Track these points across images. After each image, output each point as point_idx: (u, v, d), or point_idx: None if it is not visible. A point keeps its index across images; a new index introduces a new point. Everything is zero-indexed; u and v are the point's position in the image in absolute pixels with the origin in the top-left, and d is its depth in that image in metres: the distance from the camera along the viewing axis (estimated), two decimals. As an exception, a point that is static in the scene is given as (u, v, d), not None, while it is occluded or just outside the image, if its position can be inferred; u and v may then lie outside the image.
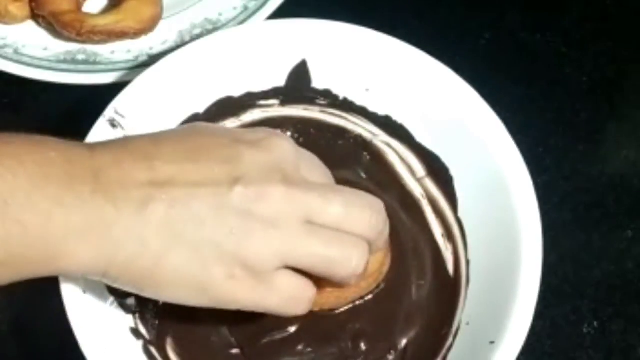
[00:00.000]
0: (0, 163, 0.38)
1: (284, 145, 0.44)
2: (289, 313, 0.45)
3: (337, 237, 0.43)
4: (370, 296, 0.50)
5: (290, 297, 0.44)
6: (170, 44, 0.63)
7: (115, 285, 0.43)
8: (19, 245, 0.38)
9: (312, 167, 0.46)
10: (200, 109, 0.54)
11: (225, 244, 0.41)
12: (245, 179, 0.42)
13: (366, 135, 0.56)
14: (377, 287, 0.50)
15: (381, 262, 0.49)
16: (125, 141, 0.44)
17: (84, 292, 0.46)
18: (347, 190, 0.46)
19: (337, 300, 0.48)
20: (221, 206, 0.41)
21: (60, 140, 0.41)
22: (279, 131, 0.47)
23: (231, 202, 0.41)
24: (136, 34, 0.62)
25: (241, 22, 0.64)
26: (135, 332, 0.48)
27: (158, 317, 0.49)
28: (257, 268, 0.42)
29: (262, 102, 0.56)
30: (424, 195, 0.54)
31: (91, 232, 0.40)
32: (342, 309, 0.50)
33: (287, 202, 0.42)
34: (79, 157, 0.40)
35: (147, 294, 0.43)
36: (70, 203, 0.39)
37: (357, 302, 0.50)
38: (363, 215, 0.44)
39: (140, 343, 0.48)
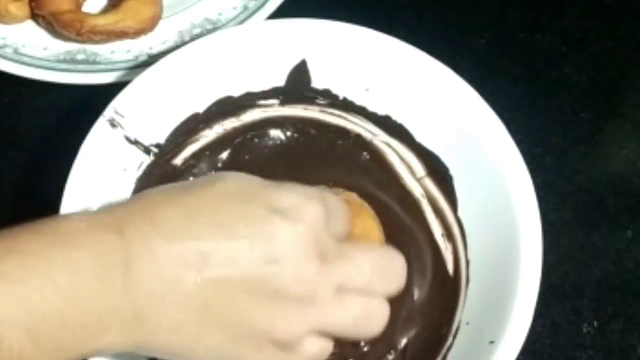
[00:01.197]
0: (27, 282, 0.37)
1: (316, 211, 0.43)
2: None
3: (365, 304, 0.44)
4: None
5: (314, 359, 0.44)
6: (170, 44, 0.63)
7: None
8: None
9: (337, 219, 0.45)
10: (200, 109, 0.54)
11: (258, 325, 0.41)
12: (282, 260, 0.41)
13: (366, 135, 0.56)
14: None
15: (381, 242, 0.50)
16: (155, 214, 0.41)
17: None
18: (374, 250, 0.46)
19: None
20: (257, 288, 0.41)
21: (87, 220, 0.40)
22: (310, 190, 0.44)
23: (267, 284, 0.41)
24: (136, 34, 0.62)
25: (241, 22, 0.64)
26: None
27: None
28: (286, 343, 0.42)
29: (262, 102, 0.56)
30: (424, 195, 0.54)
31: (127, 329, 0.39)
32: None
33: (322, 277, 0.42)
34: (108, 248, 0.39)
35: None
36: (105, 315, 0.39)
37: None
38: (389, 278, 0.45)
39: (140, 343, 0.48)
